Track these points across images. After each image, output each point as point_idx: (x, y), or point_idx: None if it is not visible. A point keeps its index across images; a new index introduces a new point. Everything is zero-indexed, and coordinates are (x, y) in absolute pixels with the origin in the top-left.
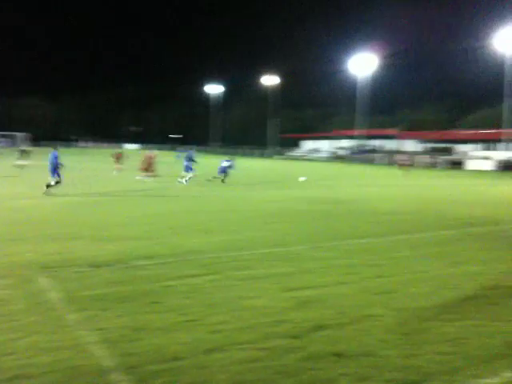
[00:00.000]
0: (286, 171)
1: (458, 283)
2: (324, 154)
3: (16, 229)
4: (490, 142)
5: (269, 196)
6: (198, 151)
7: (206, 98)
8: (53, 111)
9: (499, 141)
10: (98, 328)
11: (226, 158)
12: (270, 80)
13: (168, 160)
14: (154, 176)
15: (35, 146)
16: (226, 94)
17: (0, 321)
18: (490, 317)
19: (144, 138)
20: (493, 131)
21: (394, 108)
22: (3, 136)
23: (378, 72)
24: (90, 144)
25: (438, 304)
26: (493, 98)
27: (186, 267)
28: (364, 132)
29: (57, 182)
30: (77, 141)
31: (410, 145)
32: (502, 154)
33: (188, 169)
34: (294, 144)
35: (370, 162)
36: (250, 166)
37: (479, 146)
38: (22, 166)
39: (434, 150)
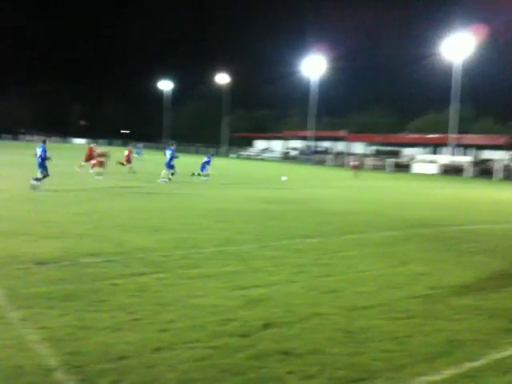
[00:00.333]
0: (242, 171)
1: (403, 282)
2: (276, 155)
3: None
4: (436, 146)
5: (222, 195)
6: (148, 148)
7: (159, 94)
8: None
9: (445, 145)
10: (42, 326)
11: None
12: (223, 79)
13: (118, 155)
14: (132, 171)
15: None
16: (178, 91)
17: None
18: (433, 315)
19: (94, 132)
20: (439, 135)
21: (344, 110)
22: None
23: (329, 74)
24: (36, 137)
25: (384, 303)
26: (440, 103)
27: (134, 265)
28: (314, 133)
29: (44, 176)
30: (24, 134)
31: (359, 147)
32: (446, 158)
33: (169, 167)
34: (247, 143)
35: (322, 163)
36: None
37: (426, 149)
38: None
39: (383, 153)
